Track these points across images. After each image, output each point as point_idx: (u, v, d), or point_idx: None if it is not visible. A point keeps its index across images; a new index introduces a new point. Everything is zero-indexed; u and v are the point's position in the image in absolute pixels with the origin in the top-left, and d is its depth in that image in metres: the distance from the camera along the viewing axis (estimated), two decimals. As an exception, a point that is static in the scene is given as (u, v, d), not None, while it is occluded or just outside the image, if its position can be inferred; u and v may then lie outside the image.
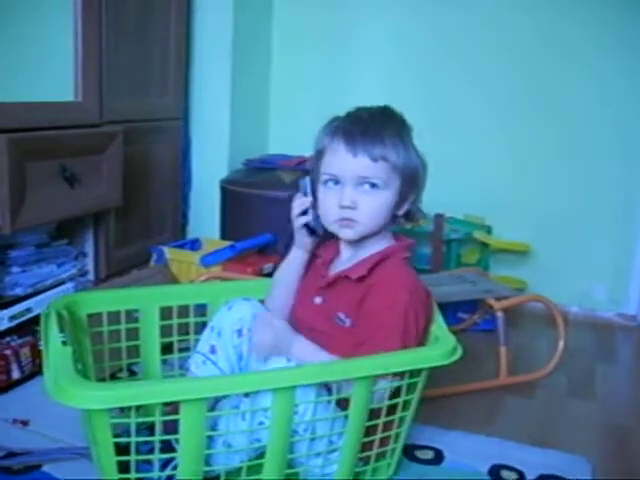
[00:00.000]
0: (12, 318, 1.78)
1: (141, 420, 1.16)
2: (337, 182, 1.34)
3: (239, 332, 1.37)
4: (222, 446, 1.23)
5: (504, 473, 1.51)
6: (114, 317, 1.50)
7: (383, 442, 1.34)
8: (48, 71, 1.95)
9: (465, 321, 2.40)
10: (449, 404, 1.83)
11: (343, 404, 1.24)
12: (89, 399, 1.07)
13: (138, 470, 1.17)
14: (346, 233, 1.36)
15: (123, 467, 1.15)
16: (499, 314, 1.99)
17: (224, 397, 1.23)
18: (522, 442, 1.64)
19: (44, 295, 1.88)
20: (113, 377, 1.59)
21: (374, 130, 1.32)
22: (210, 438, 1.20)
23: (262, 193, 2.48)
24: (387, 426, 1.32)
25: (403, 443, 1.39)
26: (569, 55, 2.60)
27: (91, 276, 2.17)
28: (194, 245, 2.48)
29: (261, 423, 1.20)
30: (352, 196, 1.32)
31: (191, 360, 1.42)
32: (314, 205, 1.40)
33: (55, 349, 1.19)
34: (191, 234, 2.78)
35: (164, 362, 1.58)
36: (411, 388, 1.31)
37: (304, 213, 1.41)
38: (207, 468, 1.20)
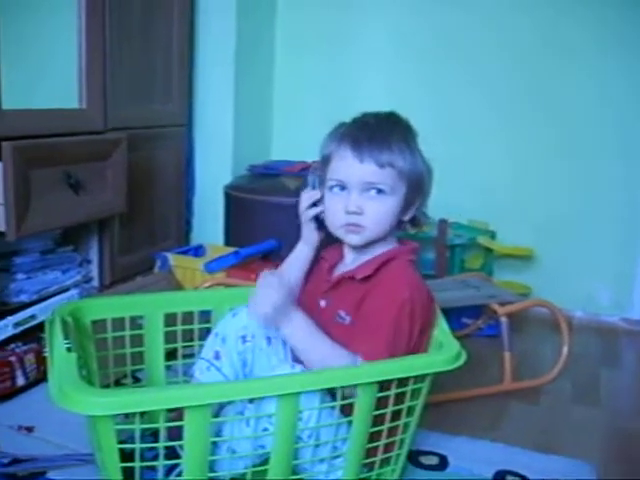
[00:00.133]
0: (17, 325, 1.78)
1: (146, 426, 1.16)
2: (343, 188, 1.35)
3: (243, 338, 1.37)
4: (226, 452, 1.23)
5: (509, 478, 1.50)
6: (118, 323, 1.50)
7: (387, 448, 1.33)
8: (52, 79, 1.96)
9: (469, 326, 2.40)
10: (453, 410, 1.83)
11: (347, 410, 1.24)
12: (93, 405, 1.07)
13: (143, 476, 1.17)
14: (352, 239, 1.37)
15: (128, 473, 1.15)
16: (503, 319, 1.99)
17: (228, 403, 1.23)
18: (527, 447, 1.64)
19: (49, 302, 1.88)
20: (117, 383, 1.60)
21: (381, 136, 1.32)
22: (214, 444, 1.20)
23: (266, 199, 2.49)
24: (391, 432, 1.31)
25: (408, 449, 1.39)
26: (569, 55, 2.61)
27: (96, 283, 2.18)
28: (198, 251, 2.48)
29: (265, 429, 1.20)
30: (358, 202, 1.32)
31: (195, 366, 1.42)
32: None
33: (60, 356, 1.19)
34: (195, 240, 2.78)
35: (168, 368, 1.58)
36: (415, 394, 1.31)
37: (313, 206, 1.42)
38: (211, 474, 1.19)
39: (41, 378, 1.74)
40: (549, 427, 1.79)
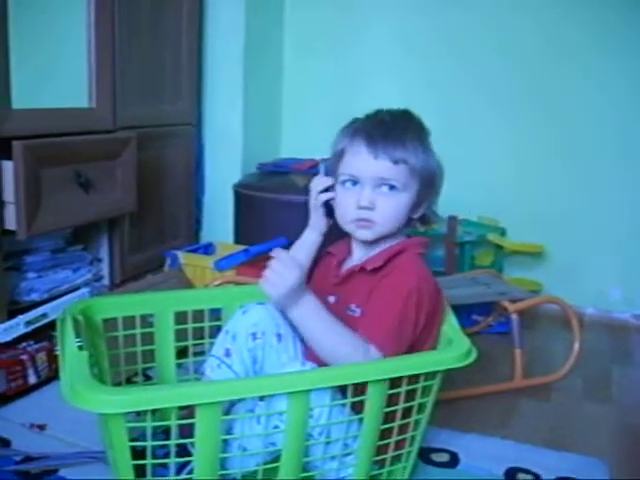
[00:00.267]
0: (28, 323, 1.79)
1: (157, 424, 1.17)
2: (355, 183, 1.35)
3: (254, 336, 1.37)
4: (237, 450, 1.23)
5: (520, 476, 1.50)
6: (129, 322, 1.50)
7: (398, 445, 1.33)
8: (62, 78, 1.97)
9: (479, 323, 2.40)
10: (464, 407, 1.82)
11: (358, 407, 1.24)
12: (105, 403, 1.07)
13: (154, 474, 1.18)
14: (363, 234, 1.37)
15: (139, 471, 1.15)
16: (514, 316, 1.99)
17: (239, 401, 1.23)
18: (538, 445, 1.64)
19: (60, 300, 1.89)
20: (129, 381, 1.60)
21: (396, 133, 1.32)
22: (225, 442, 1.20)
23: (275, 197, 2.49)
24: (402, 429, 1.31)
25: (418, 446, 1.39)
26: (571, 56, 2.61)
27: (106, 281, 2.19)
28: (208, 249, 2.49)
29: (276, 427, 1.20)
30: (370, 197, 1.33)
31: (206, 364, 1.42)
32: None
33: (71, 354, 1.20)
34: (205, 238, 2.79)
35: (179, 366, 1.58)
36: (426, 391, 1.31)
37: (325, 191, 1.42)
38: (222, 472, 1.20)
39: (53, 376, 1.75)
40: (560, 424, 1.79)
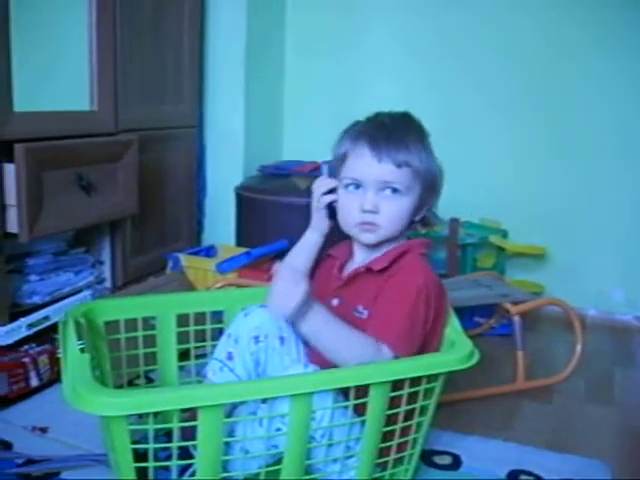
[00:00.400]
0: (30, 326, 1.79)
1: (159, 426, 1.17)
2: (358, 186, 1.35)
3: (256, 339, 1.37)
4: (240, 452, 1.23)
5: (522, 478, 1.50)
6: (131, 324, 1.50)
7: (401, 448, 1.33)
8: (63, 80, 1.97)
9: (482, 325, 2.39)
10: (466, 409, 1.82)
11: (360, 410, 1.24)
12: (107, 406, 1.07)
13: (156, 476, 1.18)
14: (367, 237, 1.37)
15: (141, 473, 1.15)
16: (516, 318, 1.98)
17: (241, 403, 1.23)
18: (540, 447, 1.63)
19: (62, 303, 1.89)
20: (131, 384, 1.60)
21: (398, 136, 1.33)
22: (228, 444, 1.20)
23: (277, 199, 2.49)
24: (404, 431, 1.31)
25: (421, 448, 1.39)
26: (571, 56, 2.61)
27: (108, 284, 2.19)
28: (210, 252, 2.49)
29: (278, 429, 1.20)
30: (374, 200, 1.33)
31: (208, 367, 1.42)
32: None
33: (73, 356, 1.20)
34: (206, 241, 2.79)
35: (181, 369, 1.58)
36: (428, 393, 1.31)
37: (329, 193, 1.42)
38: (225, 474, 1.19)
39: (55, 379, 1.75)
40: (562, 426, 1.79)
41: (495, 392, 1.93)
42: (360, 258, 1.43)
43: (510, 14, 2.66)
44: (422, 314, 1.31)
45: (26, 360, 1.71)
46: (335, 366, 1.25)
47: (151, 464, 1.15)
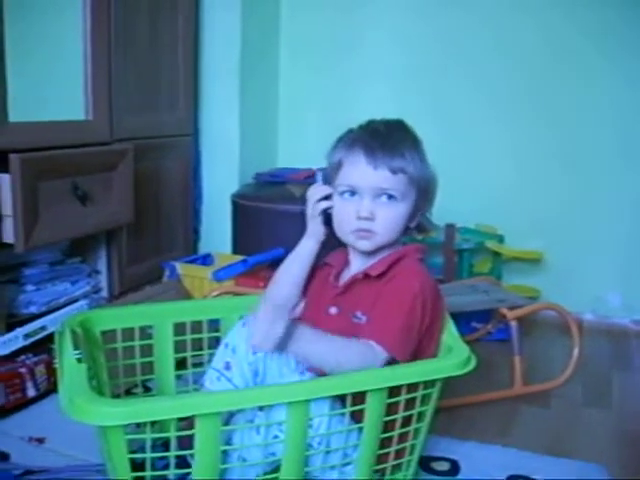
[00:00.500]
0: (27, 336, 1.79)
1: (156, 436, 1.17)
2: (354, 193, 1.35)
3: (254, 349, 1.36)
4: (237, 460, 1.23)
5: (521, 483, 1.50)
6: (128, 334, 1.50)
7: (398, 454, 1.33)
8: (58, 91, 1.97)
9: (479, 331, 2.39)
10: (464, 414, 1.82)
11: (357, 416, 1.24)
12: (104, 415, 1.07)
13: (154, 486, 1.18)
14: (363, 244, 1.36)
15: (139, 483, 1.15)
16: (513, 323, 1.98)
17: (238, 411, 1.23)
18: (538, 452, 1.63)
19: (58, 313, 1.88)
20: (128, 393, 1.60)
21: (393, 143, 1.33)
22: (225, 452, 1.20)
23: (273, 207, 2.49)
24: (402, 438, 1.31)
25: (419, 455, 1.38)
26: (571, 57, 2.62)
27: (105, 293, 2.19)
28: (206, 260, 2.49)
29: (276, 437, 1.20)
30: (370, 207, 1.33)
31: (205, 376, 1.41)
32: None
33: (70, 366, 1.19)
34: (203, 249, 2.79)
35: (178, 378, 1.58)
36: (426, 399, 1.31)
37: (323, 199, 1.41)
38: (223, 483, 1.20)
39: (52, 389, 1.74)
40: (560, 431, 1.79)
41: (493, 397, 1.93)
42: (356, 265, 1.43)
43: (510, 14, 2.67)
44: (419, 318, 1.31)
45: (23, 370, 1.71)
46: (332, 374, 1.25)
47: (148, 473, 1.15)
